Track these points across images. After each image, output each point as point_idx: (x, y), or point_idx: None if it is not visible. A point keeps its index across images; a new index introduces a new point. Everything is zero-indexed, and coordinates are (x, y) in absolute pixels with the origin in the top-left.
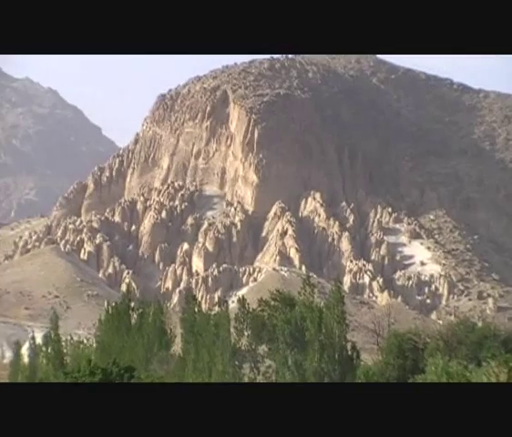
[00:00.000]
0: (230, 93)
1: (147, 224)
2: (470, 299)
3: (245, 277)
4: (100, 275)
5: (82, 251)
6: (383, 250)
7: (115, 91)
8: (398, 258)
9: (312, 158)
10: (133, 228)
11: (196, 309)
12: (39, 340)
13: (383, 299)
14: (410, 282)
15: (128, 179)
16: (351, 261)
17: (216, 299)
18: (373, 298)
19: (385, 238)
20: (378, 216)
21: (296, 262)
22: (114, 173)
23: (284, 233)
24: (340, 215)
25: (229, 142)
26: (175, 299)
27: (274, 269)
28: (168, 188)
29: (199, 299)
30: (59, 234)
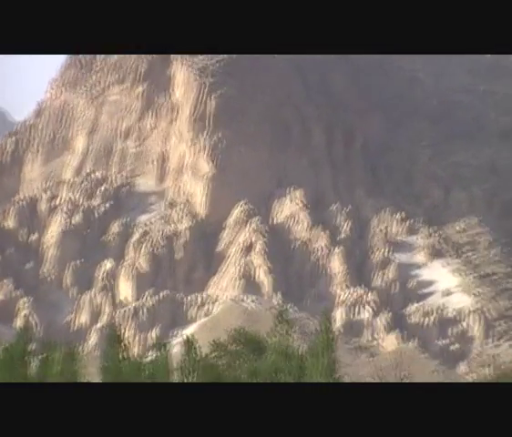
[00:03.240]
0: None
1: (53, 232)
2: None
3: (194, 309)
4: None
5: None
6: (390, 273)
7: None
8: (412, 284)
9: (291, 142)
10: (33, 237)
11: (123, 355)
12: None
13: (389, 343)
14: (429, 320)
15: (26, 168)
16: (345, 288)
17: (151, 341)
18: (376, 341)
19: (394, 255)
20: (384, 224)
21: (266, 289)
22: (7, 158)
23: (250, 247)
24: (329, 222)
25: (172, 116)
26: (93, 339)
27: (235, 298)
28: (84, 180)
29: (128, 339)
30: None
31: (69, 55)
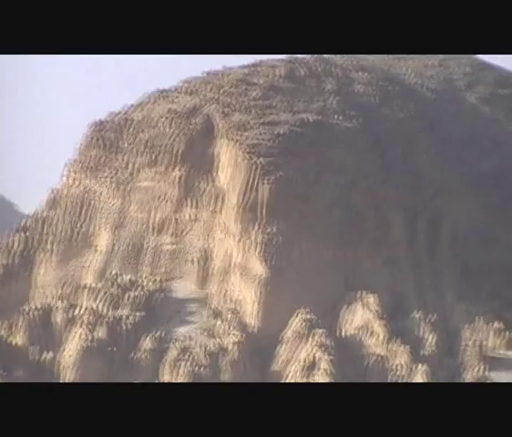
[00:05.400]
0: (219, 119)
1: (72, 349)
2: None
3: None
4: None
5: None
6: None
7: (22, 110)
8: None
9: (364, 234)
10: (47, 355)
11: None
12: None
13: None
14: None
15: (38, 271)
16: None
17: None
18: None
19: (491, 374)
20: (478, 336)
21: None
22: (15, 260)
23: (313, 365)
24: (411, 334)
25: (216, 206)
26: None
27: None
28: (109, 286)
29: None
30: None
31: (90, 134)
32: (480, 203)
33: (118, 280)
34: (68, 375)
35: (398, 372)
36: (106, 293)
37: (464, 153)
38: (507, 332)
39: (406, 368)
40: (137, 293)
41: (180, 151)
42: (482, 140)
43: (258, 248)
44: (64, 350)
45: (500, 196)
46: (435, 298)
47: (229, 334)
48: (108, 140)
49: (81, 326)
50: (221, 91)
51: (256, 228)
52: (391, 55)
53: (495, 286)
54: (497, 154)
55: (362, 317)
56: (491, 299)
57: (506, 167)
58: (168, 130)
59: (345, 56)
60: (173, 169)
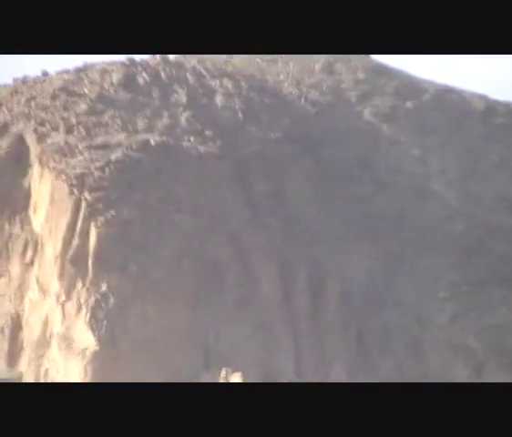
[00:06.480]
0: (32, 141)
1: None
2: None
3: None
4: None
5: None
6: None
7: None
8: None
9: (224, 294)
10: None
11: None
12: None
13: None
14: None
15: None
16: None
17: None
18: None
19: None
20: None
21: None
22: None
23: None
24: None
25: (30, 256)
26: None
27: None
28: None
29: None
30: None
31: None
32: (377, 251)
33: None
34: None
35: None
36: None
37: (354, 186)
38: None
39: None
40: None
41: None
42: (378, 169)
43: (84, 313)
44: None
45: (402, 240)
46: (319, 375)
47: None
48: None
49: None
50: (34, 104)
51: (82, 285)
52: (261, 56)
53: (397, 359)
54: (398, 186)
55: None
56: (394, 376)
57: (410, 203)
58: None
59: (199, 58)
60: None
